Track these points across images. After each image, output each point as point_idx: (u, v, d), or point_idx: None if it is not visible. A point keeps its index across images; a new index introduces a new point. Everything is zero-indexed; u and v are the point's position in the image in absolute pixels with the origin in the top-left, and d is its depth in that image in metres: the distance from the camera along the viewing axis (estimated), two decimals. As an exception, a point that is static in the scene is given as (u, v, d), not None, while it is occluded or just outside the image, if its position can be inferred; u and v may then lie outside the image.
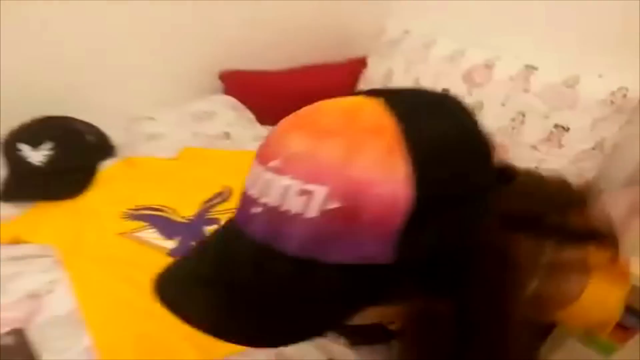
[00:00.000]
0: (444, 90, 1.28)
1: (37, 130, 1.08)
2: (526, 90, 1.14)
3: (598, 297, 0.60)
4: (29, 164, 1.05)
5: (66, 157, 1.07)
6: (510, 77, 1.16)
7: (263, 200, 0.43)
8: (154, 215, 0.98)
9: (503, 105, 1.18)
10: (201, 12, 1.37)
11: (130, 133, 1.25)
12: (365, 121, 0.43)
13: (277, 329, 0.43)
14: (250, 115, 1.38)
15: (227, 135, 1.28)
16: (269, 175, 0.43)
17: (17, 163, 1.06)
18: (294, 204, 0.41)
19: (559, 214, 0.60)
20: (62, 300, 0.84)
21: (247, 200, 0.45)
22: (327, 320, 0.44)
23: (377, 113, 0.43)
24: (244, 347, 0.77)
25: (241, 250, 0.44)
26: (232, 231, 0.46)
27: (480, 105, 1.22)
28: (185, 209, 1.00)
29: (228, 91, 1.46)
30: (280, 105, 1.34)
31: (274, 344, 0.46)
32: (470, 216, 0.45)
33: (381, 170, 0.41)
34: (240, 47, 1.48)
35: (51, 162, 1.06)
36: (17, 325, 0.81)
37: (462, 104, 0.48)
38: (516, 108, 1.16)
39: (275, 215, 0.42)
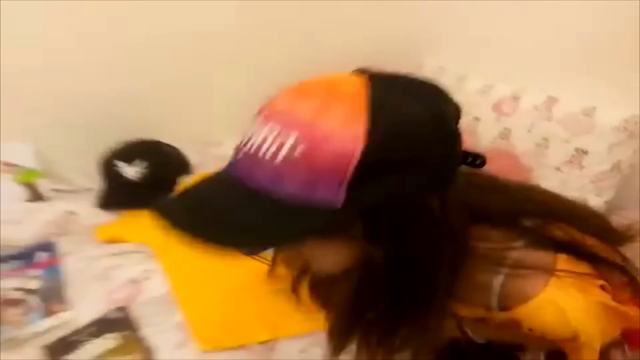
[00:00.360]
0: (475, 118, 1.42)
1: (131, 150, 1.27)
2: (549, 119, 1.26)
3: (554, 302, 0.58)
4: (124, 178, 1.24)
5: (154, 173, 1.26)
6: (534, 107, 1.29)
7: (248, 146, 0.50)
8: None
9: (529, 131, 1.31)
10: (262, 52, 1.54)
11: (202, 155, 1.42)
12: (341, 90, 0.49)
13: (238, 240, 0.50)
14: None
15: None
16: (256, 126, 0.50)
17: (114, 177, 1.25)
18: (268, 149, 0.48)
19: (541, 221, 0.63)
20: (157, 285, 1.01)
21: (238, 148, 0.52)
22: (280, 239, 0.53)
23: (355, 85, 0.49)
24: (308, 329, 0.91)
25: (222, 187, 0.52)
26: (224, 172, 0.54)
27: (509, 132, 1.35)
28: None
29: None
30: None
31: (241, 248, 0.55)
32: (421, 184, 0.50)
33: (342, 128, 0.46)
34: (300, 79, 1.64)
35: (142, 176, 1.24)
36: (121, 304, 0.98)
37: (443, 94, 0.54)
38: (540, 134, 1.29)
39: (253, 158, 0.49)
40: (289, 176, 0.47)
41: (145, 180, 1.24)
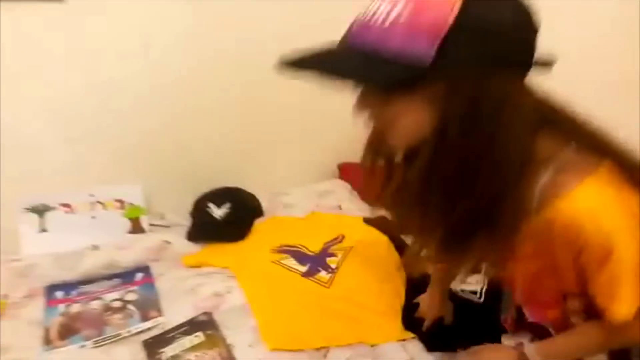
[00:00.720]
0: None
1: (220, 195, 1.50)
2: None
3: (588, 197, 0.59)
4: (213, 217, 1.46)
5: (237, 214, 1.47)
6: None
7: (363, 17, 0.59)
8: (292, 250, 1.33)
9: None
10: (327, 121, 1.69)
11: (272, 202, 1.62)
12: None
13: (343, 78, 0.59)
14: (356, 194, 1.69)
15: (339, 207, 1.61)
16: (373, 4, 0.59)
17: (204, 216, 1.47)
18: (379, 18, 0.56)
19: (592, 133, 0.65)
20: (236, 298, 1.20)
21: (353, 21, 0.61)
22: (379, 82, 0.58)
23: None
24: (355, 341, 1.06)
25: (337, 50, 0.61)
26: (339, 42, 0.62)
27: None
28: (313, 247, 1.34)
29: (343, 177, 1.78)
30: (378, 190, 1.65)
31: (346, 83, 0.60)
32: (499, 59, 0.55)
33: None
34: (354, 146, 1.76)
35: (227, 217, 1.46)
36: (207, 310, 1.17)
37: (530, 7, 0.58)
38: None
39: (365, 24, 0.58)
40: (393, 36, 0.55)
41: (228, 220, 1.45)
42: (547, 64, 0.60)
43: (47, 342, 1.12)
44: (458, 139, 0.58)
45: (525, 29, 0.58)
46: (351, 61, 0.58)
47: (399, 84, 0.58)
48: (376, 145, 0.76)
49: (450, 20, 0.54)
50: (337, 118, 1.63)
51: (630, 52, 1.26)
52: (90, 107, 1.46)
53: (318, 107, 1.68)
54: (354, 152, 1.73)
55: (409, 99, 0.59)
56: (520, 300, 0.86)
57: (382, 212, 1.52)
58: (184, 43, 1.48)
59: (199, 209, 1.50)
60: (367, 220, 1.47)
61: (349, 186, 1.75)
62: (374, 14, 0.58)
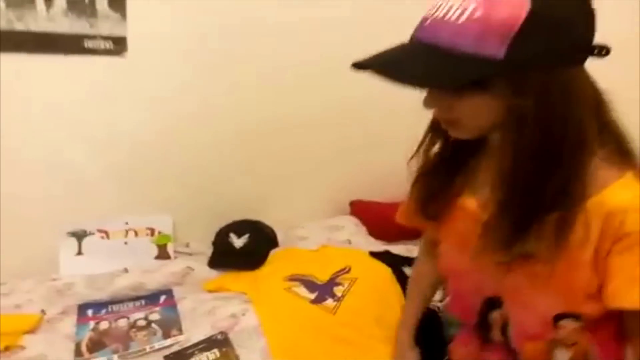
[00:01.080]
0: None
1: (241, 226, 1.60)
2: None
3: (632, 184, 0.61)
4: (233, 246, 1.56)
5: (254, 244, 1.56)
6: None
7: (435, 14, 0.59)
8: (303, 279, 1.40)
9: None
10: (340, 162, 1.84)
11: (287, 235, 1.71)
12: None
13: (419, 80, 0.59)
14: (365, 230, 1.77)
15: (349, 242, 1.68)
16: (445, 1, 0.59)
17: (225, 245, 1.57)
18: (453, 15, 0.56)
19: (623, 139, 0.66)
20: (250, 320, 1.27)
21: (425, 18, 0.61)
22: (451, 82, 0.58)
23: None
24: None
25: (409, 48, 0.61)
26: (409, 41, 0.62)
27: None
28: (321, 276, 1.40)
29: (353, 213, 1.86)
30: (385, 226, 1.71)
31: (422, 86, 0.61)
32: (564, 52, 0.56)
33: None
34: (364, 185, 1.89)
35: (246, 246, 1.55)
36: (224, 330, 1.25)
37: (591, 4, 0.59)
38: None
39: (439, 20, 0.57)
40: (467, 32, 0.56)
41: (246, 250, 1.55)
42: (604, 53, 0.61)
43: (78, 354, 1.22)
44: (531, 129, 0.58)
45: (588, 21, 0.60)
46: (424, 61, 0.58)
47: (471, 82, 0.59)
48: (437, 129, 0.75)
49: (522, 18, 0.55)
50: (349, 160, 1.87)
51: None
52: (129, 147, 1.60)
53: (332, 150, 1.84)
54: (364, 190, 1.94)
55: (480, 93, 0.60)
56: (510, 314, 0.80)
57: (387, 247, 1.62)
58: (206, 86, 1.62)
59: (221, 239, 1.61)
60: (373, 254, 1.55)
61: (358, 222, 1.82)
62: (447, 10, 0.58)
